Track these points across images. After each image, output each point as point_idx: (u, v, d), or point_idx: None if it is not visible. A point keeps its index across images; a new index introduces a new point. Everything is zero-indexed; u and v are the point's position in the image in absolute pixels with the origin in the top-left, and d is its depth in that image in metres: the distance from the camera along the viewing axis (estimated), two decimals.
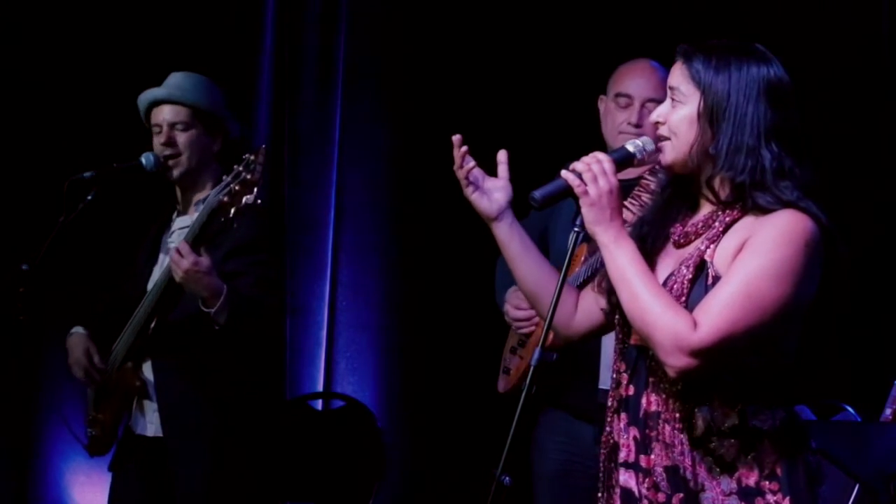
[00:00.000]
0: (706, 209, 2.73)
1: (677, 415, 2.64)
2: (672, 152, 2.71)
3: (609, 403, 2.79)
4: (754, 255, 2.59)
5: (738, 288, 2.57)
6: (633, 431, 2.72)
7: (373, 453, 5.01)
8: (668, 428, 2.66)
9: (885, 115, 5.04)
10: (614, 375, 2.79)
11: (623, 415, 2.74)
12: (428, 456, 5.62)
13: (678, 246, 2.74)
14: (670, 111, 2.71)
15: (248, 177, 3.65)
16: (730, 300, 2.56)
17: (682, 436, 2.64)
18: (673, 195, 2.79)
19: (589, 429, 3.74)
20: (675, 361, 2.57)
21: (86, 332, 4.15)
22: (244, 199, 3.65)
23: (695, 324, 2.56)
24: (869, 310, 4.98)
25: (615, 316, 2.79)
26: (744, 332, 2.56)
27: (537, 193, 2.68)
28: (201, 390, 3.96)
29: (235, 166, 3.69)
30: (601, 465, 2.80)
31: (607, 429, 2.78)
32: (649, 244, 2.75)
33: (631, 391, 2.73)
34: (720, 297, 2.57)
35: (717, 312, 2.56)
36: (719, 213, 2.70)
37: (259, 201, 3.69)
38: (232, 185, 3.67)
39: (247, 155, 3.69)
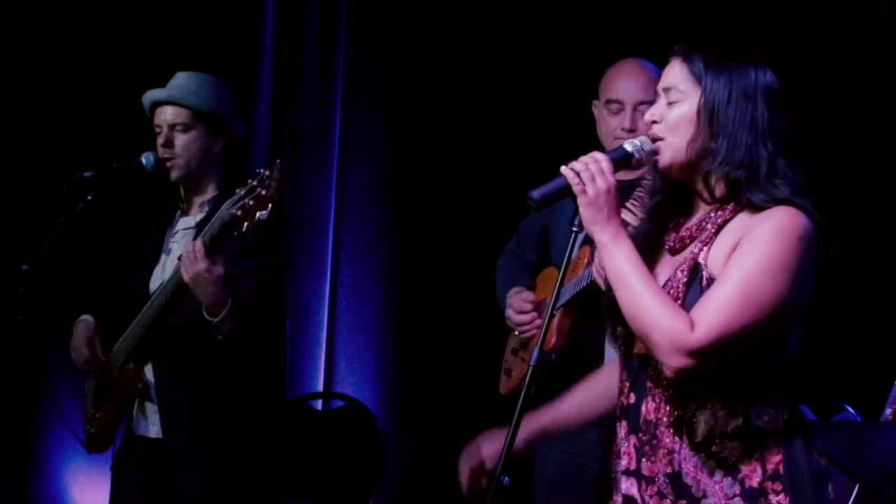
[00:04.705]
0: (700, 212, 2.74)
1: (676, 419, 2.64)
2: (669, 151, 2.70)
3: (617, 413, 2.80)
4: (748, 253, 2.59)
5: (734, 286, 2.57)
6: (633, 439, 2.73)
7: (373, 453, 5.00)
8: (667, 434, 2.66)
9: (886, 115, 5.03)
10: (619, 384, 2.80)
11: (623, 423, 2.75)
12: (428, 456, 5.60)
13: (674, 252, 2.74)
14: (666, 110, 2.71)
15: (263, 192, 3.61)
16: (726, 299, 2.56)
17: (682, 441, 2.64)
18: (663, 202, 2.79)
19: (591, 431, 3.73)
20: (672, 361, 2.57)
21: (93, 321, 4.15)
22: (258, 215, 3.62)
23: (692, 324, 2.56)
24: (869, 310, 4.97)
25: (616, 328, 2.78)
26: (741, 329, 2.56)
27: (535, 193, 2.68)
28: (201, 392, 3.96)
29: (249, 180, 3.66)
30: (612, 472, 2.81)
31: (616, 437, 2.80)
32: (646, 255, 2.72)
33: (632, 399, 2.74)
34: (717, 296, 2.57)
35: (714, 312, 2.56)
36: (711, 214, 2.70)
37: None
38: (246, 200, 3.63)
39: (261, 170, 3.65)
